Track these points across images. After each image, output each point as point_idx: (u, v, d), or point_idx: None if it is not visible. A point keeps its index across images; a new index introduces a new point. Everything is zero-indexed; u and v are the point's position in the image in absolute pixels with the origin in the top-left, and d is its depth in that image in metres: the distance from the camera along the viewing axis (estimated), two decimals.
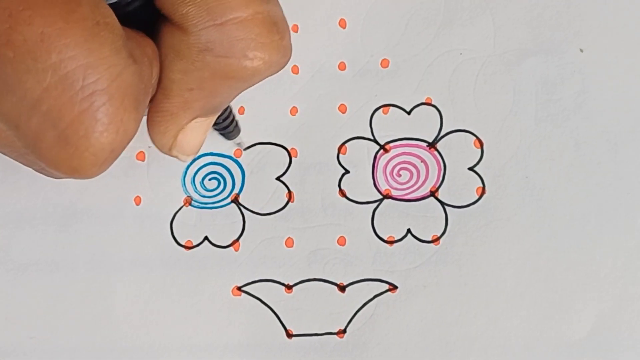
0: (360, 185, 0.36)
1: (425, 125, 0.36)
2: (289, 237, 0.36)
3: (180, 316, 0.36)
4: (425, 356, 0.35)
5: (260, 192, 0.36)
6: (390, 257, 0.36)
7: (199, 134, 0.27)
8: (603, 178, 0.36)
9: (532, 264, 0.35)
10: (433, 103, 0.36)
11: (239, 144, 0.36)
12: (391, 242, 0.36)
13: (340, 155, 0.36)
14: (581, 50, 0.36)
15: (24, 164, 0.26)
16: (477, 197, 0.36)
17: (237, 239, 0.36)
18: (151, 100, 0.26)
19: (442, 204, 0.36)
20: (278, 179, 0.36)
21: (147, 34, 0.25)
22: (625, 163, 0.36)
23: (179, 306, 0.36)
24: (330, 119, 0.36)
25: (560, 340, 0.35)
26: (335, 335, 0.35)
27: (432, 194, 0.36)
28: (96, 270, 0.36)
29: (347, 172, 0.36)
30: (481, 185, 0.36)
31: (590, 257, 0.35)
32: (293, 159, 0.36)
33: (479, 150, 0.36)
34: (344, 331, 0.35)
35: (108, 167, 0.23)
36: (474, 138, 0.36)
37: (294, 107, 0.36)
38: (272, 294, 0.36)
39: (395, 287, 0.35)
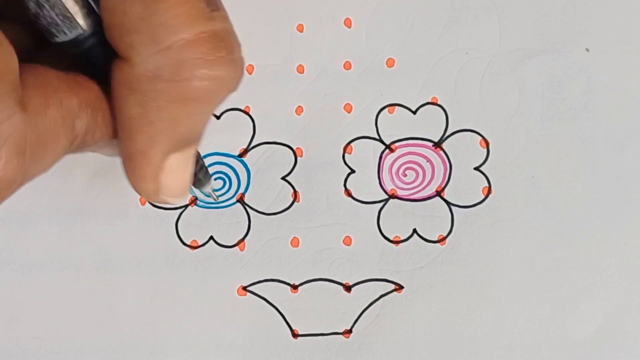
0: (365, 185, 0.36)
1: (430, 124, 0.36)
2: (295, 237, 0.36)
3: (185, 316, 0.36)
4: (431, 356, 0.35)
5: (266, 192, 0.36)
6: (396, 257, 0.36)
7: (181, 172, 0.26)
8: (609, 177, 0.36)
9: (538, 264, 0.35)
10: (439, 102, 0.36)
11: (208, 195, 0.35)
12: (397, 242, 0.36)
13: (346, 154, 0.36)
14: (587, 50, 0.36)
15: None
16: (483, 196, 0.36)
17: (243, 239, 0.36)
18: (120, 150, 0.25)
19: (448, 203, 0.36)
20: (283, 178, 0.36)
21: (102, 75, 0.25)
22: (631, 162, 0.36)
23: (184, 306, 0.36)
24: (336, 119, 0.36)
25: (567, 339, 0.35)
26: (341, 335, 0.35)
27: (438, 193, 0.36)
28: (101, 270, 0.36)
29: (352, 171, 0.36)
30: (487, 185, 0.36)
31: (596, 256, 0.35)
32: (298, 158, 0.36)
33: (485, 150, 0.36)
34: (350, 331, 0.35)
35: None
36: (480, 138, 0.36)
37: (299, 106, 0.36)
38: (277, 293, 0.36)
39: (401, 287, 0.35)
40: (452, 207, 0.36)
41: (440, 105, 0.36)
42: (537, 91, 0.36)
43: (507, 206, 0.36)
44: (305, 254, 0.36)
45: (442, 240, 0.36)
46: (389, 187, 0.36)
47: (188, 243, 0.36)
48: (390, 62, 0.36)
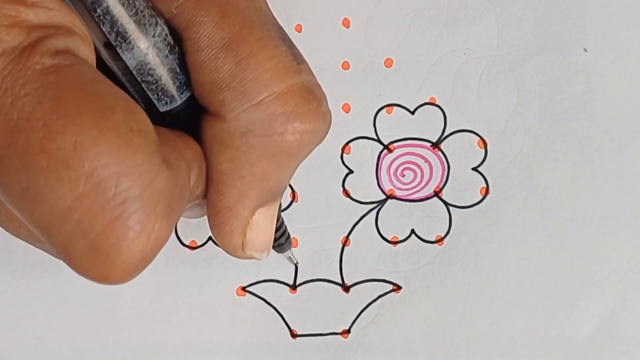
0: (364, 185, 0.36)
1: (429, 125, 0.36)
2: (293, 237, 0.36)
3: (184, 316, 0.36)
4: (429, 356, 0.35)
5: None
6: (394, 257, 0.36)
7: (267, 226, 0.26)
8: (607, 178, 0.36)
9: (536, 264, 0.35)
10: (437, 103, 0.36)
11: (289, 258, 0.35)
12: (395, 243, 0.36)
13: (344, 155, 0.36)
14: (585, 50, 0.36)
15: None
16: (480, 197, 0.36)
17: None
18: (207, 204, 0.25)
19: (446, 204, 0.36)
20: None
21: (191, 132, 0.24)
22: (629, 163, 0.36)
23: (183, 306, 0.36)
24: (334, 119, 0.36)
25: (564, 339, 0.35)
26: (339, 336, 0.35)
27: (436, 194, 0.36)
28: None
29: (350, 172, 0.36)
30: (485, 185, 0.36)
31: (593, 257, 0.35)
32: None
33: (483, 150, 0.36)
34: (348, 331, 0.35)
35: (139, 273, 0.22)
36: (478, 138, 0.36)
37: None
38: (276, 294, 0.36)
39: (399, 288, 0.35)
40: (450, 208, 0.36)
41: (438, 106, 0.36)
42: (535, 91, 0.36)
43: (505, 207, 0.36)
44: (304, 254, 0.36)
45: (440, 240, 0.36)
46: (387, 187, 0.36)
47: (187, 243, 0.36)
48: (388, 62, 0.36)
